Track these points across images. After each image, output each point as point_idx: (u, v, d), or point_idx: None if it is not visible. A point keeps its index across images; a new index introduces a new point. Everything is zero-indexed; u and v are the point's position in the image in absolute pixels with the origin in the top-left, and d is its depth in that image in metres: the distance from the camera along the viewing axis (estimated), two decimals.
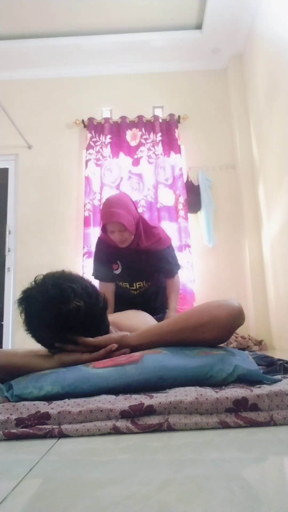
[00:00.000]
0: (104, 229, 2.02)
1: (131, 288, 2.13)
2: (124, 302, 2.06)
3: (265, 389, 0.72)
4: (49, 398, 0.78)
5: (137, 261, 2.07)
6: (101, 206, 2.02)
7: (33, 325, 0.98)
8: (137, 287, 2.13)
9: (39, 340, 1.00)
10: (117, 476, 0.48)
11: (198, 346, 0.95)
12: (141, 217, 2.06)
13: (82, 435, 0.66)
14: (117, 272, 2.10)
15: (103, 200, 3.45)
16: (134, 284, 2.13)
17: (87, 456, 0.57)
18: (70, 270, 1.05)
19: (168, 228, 3.39)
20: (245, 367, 0.83)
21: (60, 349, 0.98)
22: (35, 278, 1.01)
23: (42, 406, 0.73)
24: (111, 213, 1.92)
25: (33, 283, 1.00)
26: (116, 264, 2.10)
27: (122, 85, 3.86)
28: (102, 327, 1.03)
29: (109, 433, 0.66)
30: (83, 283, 1.01)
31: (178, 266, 2.19)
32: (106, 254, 2.10)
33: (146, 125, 3.67)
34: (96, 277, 2.14)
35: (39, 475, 0.51)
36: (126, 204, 1.99)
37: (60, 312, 0.92)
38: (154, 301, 2.16)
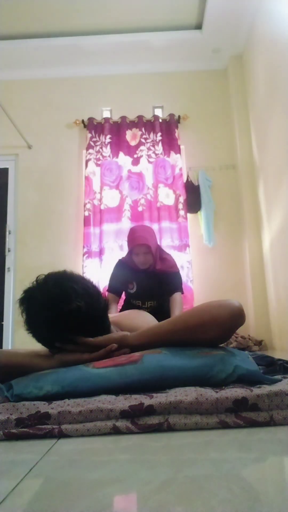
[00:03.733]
0: (130, 252, 2.33)
1: (143, 306, 2.38)
2: None
3: (265, 389, 0.72)
4: (49, 398, 0.78)
5: (151, 283, 2.35)
6: (127, 235, 2.43)
7: (34, 325, 0.98)
8: (149, 306, 2.39)
9: (39, 339, 1.00)
10: (117, 476, 0.48)
11: (198, 346, 0.95)
12: (158, 245, 2.46)
13: (82, 435, 0.66)
14: (132, 291, 2.39)
15: (103, 199, 3.46)
16: (146, 303, 2.39)
17: (87, 456, 0.57)
18: (72, 270, 1.05)
19: (169, 228, 3.40)
20: (245, 368, 0.83)
21: (60, 349, 0.98)
22: (37, 277, 1.01)
23: (42, 406, 0.73)
24: (138, 237, 2.28)
25: (34, 282, 1.00)
26: (131, 284, 2.39)
27: (122, 85, 3.86)
28: (103, 327, 1.03)
29: (109, 433, 0.66)
30: (84, 283, 1.01)
31: (181, 289, 2.42)
32: (124, 274, 2.40)
33: (146, 125, 3.67)
34: (112, 292, 2.44)
35: (39, 475, 0.51)
36: (150, 231, 2.40)
37: (61, 312, 0.92)
38: (163, 317, 2.25)
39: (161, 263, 2.35)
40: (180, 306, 2.34)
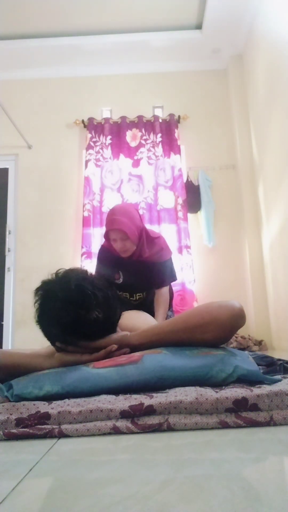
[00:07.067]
0: (107, 237, 2.02)
1: (131, 298, 2.15)
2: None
3: (265, 389, 0.72)
4: (49, 398, 0.78)
5: (139, 273, 2.07)
6: (106, 215, 2.08)
7: (46, 320, 0.97)
8: (137, 298, 2.15)
9: (45, 334, 1.00)
10: (117, 476, 0.48)
11: (199, 346, 0.95)
12: (144, 228, 2.07)
13: (82, 435, 0.66)
14: (118, 282, 2.12)
15: (104, 201, 3.46)
16: (134, 295, 2.14)
17: (87, 456, 0.57)
18: (92, 273, 1.04)
19: (168, 230, 3.40)
20: (245, 368, 0.83)
21: (61, 348, 0.98)
22: (57, 271, 0.99)
23: (42, 406, 0.73)
24: (114, 220, 1.94)
25: (53, 275, 0.99)
26: (117, 274, 2.11)
27: (122, 85, 3.86)
28: (109, 334, 1.03)
29: (109, 433, 0.66)
30: (106, 292, 0.99)
31: (172, 279, 2.18)
32: (109, 262, 2.11)
33: (146, 125, 3.67)
34: None
35: (39, 475, 0.51)
36: (130, 214, 2.01)
37: (79, 318, 0.92)
38: (153, 310, 2.15)
39: (149, 250, 2.05)
40: (165, 303, 2.12)
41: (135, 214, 2.05)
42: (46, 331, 0.99)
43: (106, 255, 2.12)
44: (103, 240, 3.25)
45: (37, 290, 0.97)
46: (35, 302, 0.97)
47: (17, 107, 3.71)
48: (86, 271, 1.03)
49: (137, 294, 2.15)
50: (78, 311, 0.91)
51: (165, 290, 2.14)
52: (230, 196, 3.62)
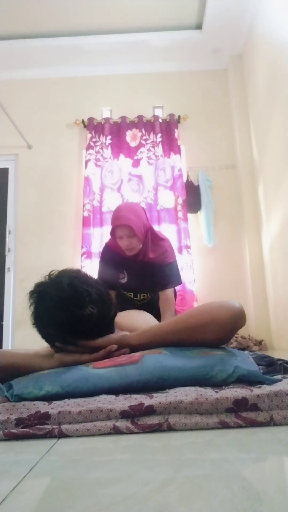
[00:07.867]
0: (113, 234, 2.00)
1: (135, 298, 2.14)
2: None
3: (265, 389, 0.72)
4: (49, 398, 0.78)
5: (143, 273, 2.06)
6: (112, 214, 2.05)
7: (41, 321, 0.97)
8: (141, 298, 2.14)
9: (43, 335, 1.00)
10: (117, 476, 0.48)
11: (199, 346, 0.95)
12: (151, 228, 2.06)
13: (82, 435, 0.66)
14: (123, 281, 2.10)
15: (104, 201, 3.46)
16: (139, 295, 2.13)
17: (87, 456, 0.57)
18: (86, 272, 1.04)
19: (168, 230, 3.40)
20: (245, 368, 0.83)
21: (60, 348, 0.98)
22: (50, 273, 1.00)
23: (42, 406, 0.73)
24: (121, 217, 1.93)
25: (46, 277, 0.99)
26: (122, 273, 2.10)
27: (122, 85, 3.86)
28: (108, 333, 1.03)
29: (109, 433, 0.66)
30: (99, 288, 0.99)
31: (176, 282, 2.15)
32: (113, 261, 2.09)
33: (146, 125, 3.67)
34: None
35: (39, 475, 0.51)
36: (137, 211, 2.00)
37: (73, 315, 0.92)
38: (158, 310, 2.13)
39: (154, 251, 2.02)
40: (171, 306, 2.09)
41: (141, 212, 2.04)
42: (44, 333, 0.99)
43: (110, 255, 2.10)
44: (104, 240, 3.31)
45: (31, 293, 0.98)
46: (30, 305, 0.97)
47: (17, 107, 3.71)
48: (78, 270, 1.04)
49: (141, 295, 2.14)
50: (72, 308, 0.92)
51: (169, 292, 2.11)
52: (230, 196, 3.62)
